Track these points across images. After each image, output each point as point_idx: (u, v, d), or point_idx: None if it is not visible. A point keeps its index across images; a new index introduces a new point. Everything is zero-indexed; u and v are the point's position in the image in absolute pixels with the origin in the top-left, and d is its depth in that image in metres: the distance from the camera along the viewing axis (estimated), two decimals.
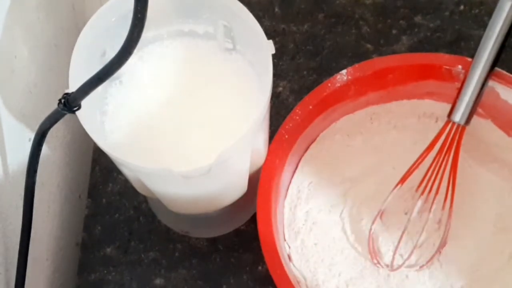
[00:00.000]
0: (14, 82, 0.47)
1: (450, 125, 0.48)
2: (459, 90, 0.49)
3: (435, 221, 0.50)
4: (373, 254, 0.49)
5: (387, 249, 0.50)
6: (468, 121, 0.48)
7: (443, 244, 0.49)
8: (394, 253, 0.49)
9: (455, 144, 0.48)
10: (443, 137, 0.48)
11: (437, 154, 0.48)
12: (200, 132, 0.43)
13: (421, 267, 0.49)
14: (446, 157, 0.48)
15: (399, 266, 0.49)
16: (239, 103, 0.44)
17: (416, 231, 0.50)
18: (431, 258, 0.49)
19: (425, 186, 0.49)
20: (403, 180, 0.49)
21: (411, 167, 0.49)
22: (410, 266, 0.50)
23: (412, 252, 0.49)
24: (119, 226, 0.56)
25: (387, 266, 0.49)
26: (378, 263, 0.49)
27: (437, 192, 0.48)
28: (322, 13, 0.63)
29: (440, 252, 0.49)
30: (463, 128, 0.47)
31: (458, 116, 0.47)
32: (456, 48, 0.60)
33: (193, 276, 0.54)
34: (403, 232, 0.49)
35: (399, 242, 0.49)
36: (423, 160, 0.49)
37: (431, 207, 0.49)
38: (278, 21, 0.63)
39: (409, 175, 0.49)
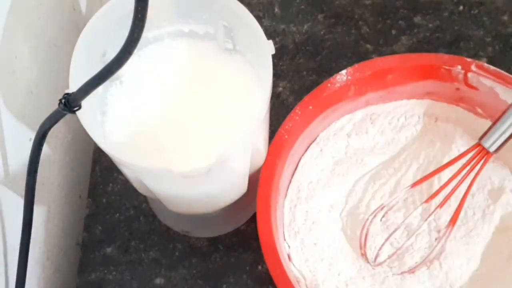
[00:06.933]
0: (15, 83, 0.47)
1: (478, 148, 0.47)
2: (498, 119, 0.47)
3: (427, 232, 0.51)
4: (362, 244, 0.49)
5: (374, 245, 0.50)
6: (497, 150, 0.47)
7: (429, 259, 0.49)
8: (379, 249, 0.49)
9: (477, 168, 0.47)
10: (468, 157, 0.48)
11: (456, 172, 0.48)
12: (200, 132, 0.43)
13: (402, 272, 0.49)
14: (464, 177, 0.48)
15: (380, 263, 0.49)
16: (239, 103, 0.44)
17: (407, 235, 0.50)
18: (415, 267, 0.49)
19: (431, 196, 0.49)
20: (414, 184, 0.49)
21: (426, 175, 0.49)
22: (392, 267, 0.50)
23: (394, 254, 0.49)
24: (120, 226, 0.56)
25: (371, 259, 0.49)
26: (365, 254, 0.50)
27: (440, 206, 0.48)
28: (322, 14, 0.63)
29: (427, 265, 0.49)
30: (490, 155, 0.47)
31: (489, 143, 0.47)
32: (455, 49, 0.61)
33: (193, 276, 0.54)
34: (392, 232, 0.49)
35: (386, 240, 0.49)
36: (439, 172, 0.49)
37: (427, 217, 0.49)
38: (278, 21, 0.63)
39: (422, 182, 0.49)
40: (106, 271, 0.54)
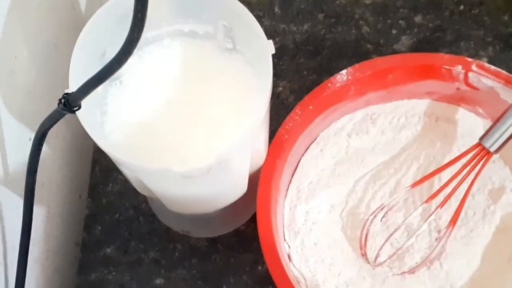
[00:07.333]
0: (14, 82, 0.47)
1: (479, 148, 0.47)
2: (498, 118, 0.47)
3: (428, 232, 0.50)
4: (362, 244, 0.49)
5: (374, 245, 0.50)
6: (498, 150, 0.47)
7: (430, 259, 0.49)
8: (380, 249, 0.49)
9: (478, 168, 0.47)
10: (469, 156, 0.48)
11: (457, 172, 0.48)
12: (200, 132, 0.43)
13: (402, 272, 0.49)
14: (465, 177, 0.48)
15: (381, 263, 0.49)
16: (239, 103, 0.44)
17: (407, 235, 0.50)
18: (416, 267, 0.49)
19: (432, 196, 0.49)
20: (414, 184, 0.49)
21: (426, 175, 0.49)
22: (392, 267, 0.50)
23: (395, 254, 0.49)
24: (119, 226, 0.56)
25: (371, 260, 0.49)
26: (365, 254, 0.49)
27: (440, 206, 0.48)
28: (322, 13, 0.63)
29: (427, 265, 0.49)
30: (490, 155, 0.47)
31: (489, 143, 0.47)
32: (456, 48, 0.60)
33: (193, 276, 0.54)
34: (393, 232, 0.49)
35: (386, 240, 0.49)
36: (440, 172, 0.49)
37: (428, 218, 0.49)
38: (278, 21, 0.63)
39: (422, 182, 0.49)
40: (105, 272, 0.54)
